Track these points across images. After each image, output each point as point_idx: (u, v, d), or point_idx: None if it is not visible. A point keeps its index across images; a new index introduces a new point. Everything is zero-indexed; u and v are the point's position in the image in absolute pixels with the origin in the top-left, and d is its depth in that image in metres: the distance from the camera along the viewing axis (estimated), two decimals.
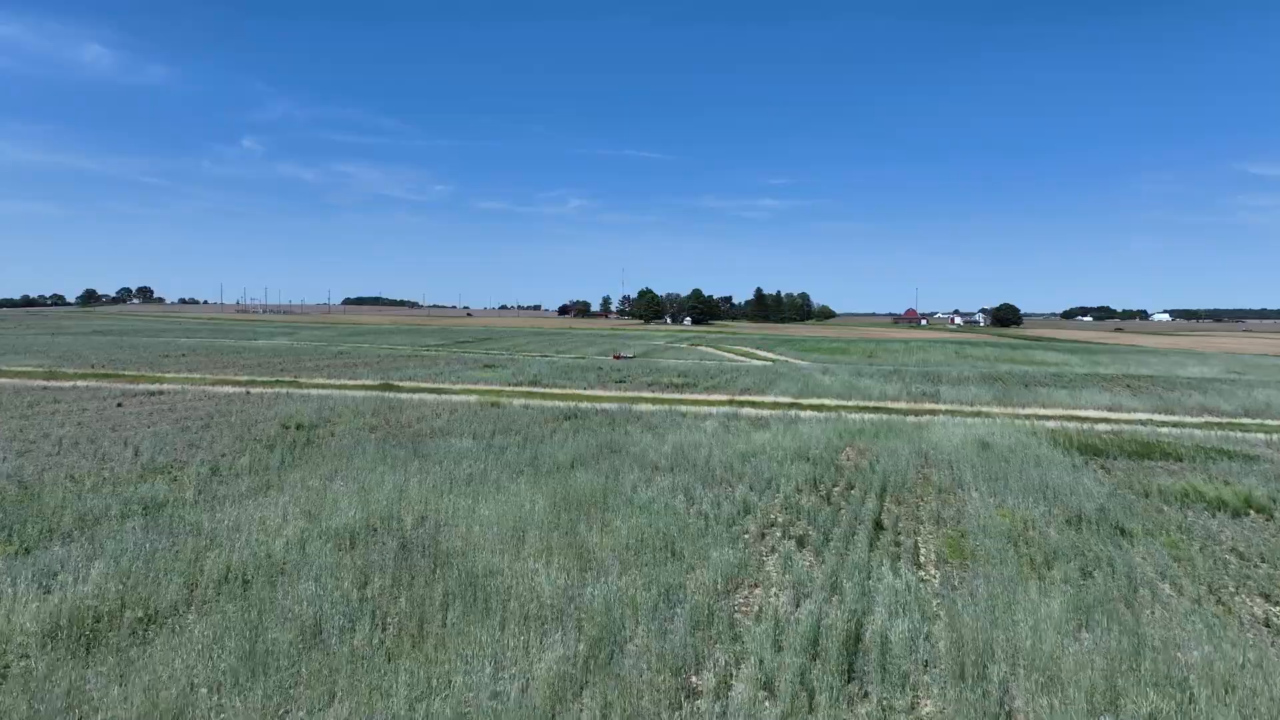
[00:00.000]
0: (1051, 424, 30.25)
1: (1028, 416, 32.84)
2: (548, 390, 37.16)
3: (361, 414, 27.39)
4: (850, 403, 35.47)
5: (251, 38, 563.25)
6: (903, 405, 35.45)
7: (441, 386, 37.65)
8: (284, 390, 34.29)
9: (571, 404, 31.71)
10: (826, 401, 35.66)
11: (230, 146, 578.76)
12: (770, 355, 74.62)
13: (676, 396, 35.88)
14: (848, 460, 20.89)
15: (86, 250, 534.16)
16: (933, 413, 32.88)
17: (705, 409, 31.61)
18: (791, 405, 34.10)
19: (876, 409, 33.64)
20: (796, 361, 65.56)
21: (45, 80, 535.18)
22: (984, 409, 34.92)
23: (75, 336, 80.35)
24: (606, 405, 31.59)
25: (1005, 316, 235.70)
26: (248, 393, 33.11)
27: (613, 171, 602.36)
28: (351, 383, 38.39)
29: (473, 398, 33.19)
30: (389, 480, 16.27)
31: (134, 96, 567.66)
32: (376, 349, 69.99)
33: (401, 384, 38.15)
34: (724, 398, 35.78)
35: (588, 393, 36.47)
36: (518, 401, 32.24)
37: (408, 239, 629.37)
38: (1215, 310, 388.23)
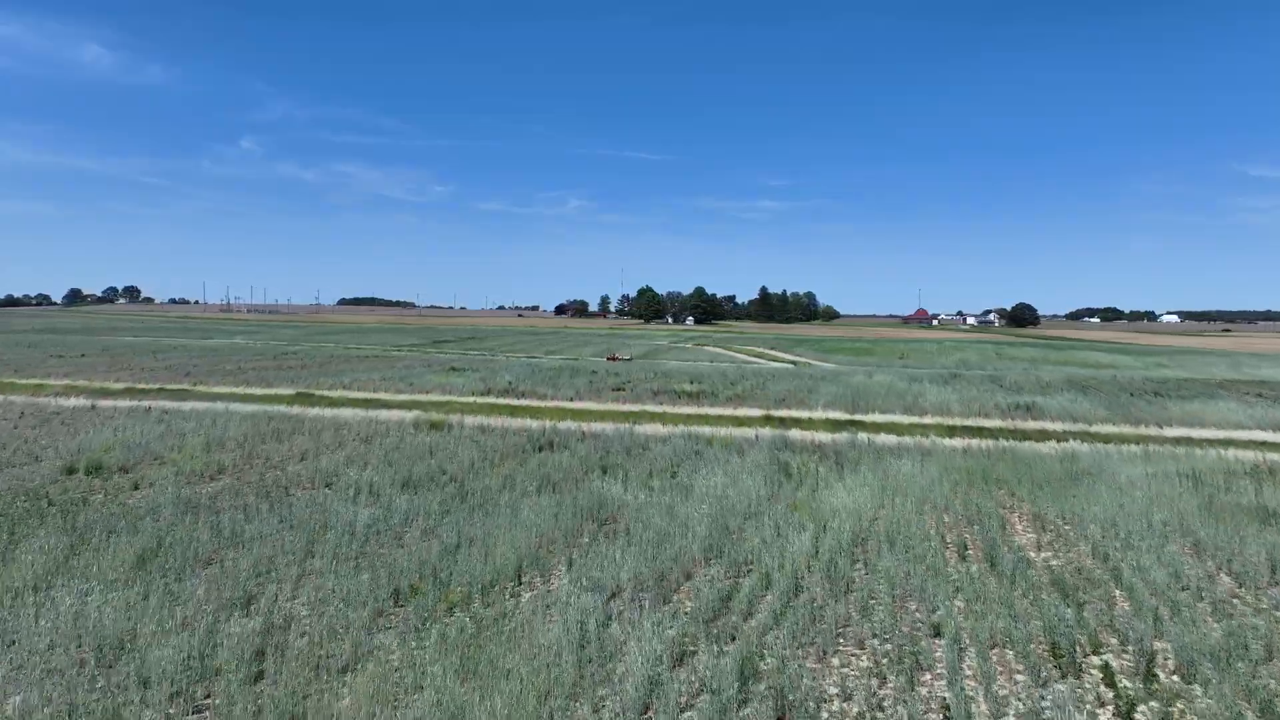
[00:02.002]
0: (1239, 454, 20.86)
1: (1177, 440, 23.47)
2: (521, 403, 27.67)
3: (222, 444, 17.94)
4: (928, 420, 26.04)
5: (251, 38, 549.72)
6: (997, 423, 26.05)
7: (377, 397, 28.17)
8: (151, 403, 24.80)
9: (549, 424, 22.31)
10: (897, 419, 26.18)
11: (230, 146, 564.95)
12: (788, 357, 65.13)
13: (693, 411, 26.42)
14: (1041, 554, 11.38)
15: (85, 250, 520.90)
16: (1048, 435, 23.57)
17: (736, 431, 22.20)
18: (851, 423, 24.68)
19: (970, 429, 24.27)
20: (820, 364, 56.10)
21: (45, 80, 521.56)
22: (1101, 428, 25.57)
23: (5, 335, 70.82)
24: (598, 426, 22.19)
25: (1022, 316, 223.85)
26: (93, 406, 23.64)
27: (613, 172, 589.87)
28: (260, 392, 28.87)
29: (410, 414, 23.68)
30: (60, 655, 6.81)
31: (134, 96, 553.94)
32: (337, 349, 60.41)
33: (326, 393, 28.64)
34: (757, 413, 26.34)
35: (574, 405, 27.01)
36: (473, 420, 22.80)
37: (407, 239, 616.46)
38: (1222, 312, 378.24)
